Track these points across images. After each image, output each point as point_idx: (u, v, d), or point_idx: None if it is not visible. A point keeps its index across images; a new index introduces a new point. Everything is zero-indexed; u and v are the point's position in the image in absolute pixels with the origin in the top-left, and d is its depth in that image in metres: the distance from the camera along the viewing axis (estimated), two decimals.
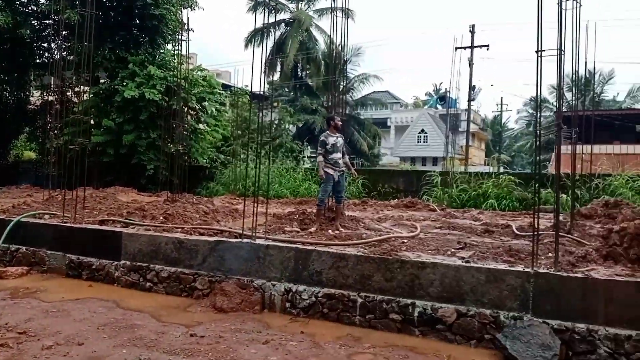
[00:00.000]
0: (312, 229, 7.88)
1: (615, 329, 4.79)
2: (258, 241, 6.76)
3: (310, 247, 6.40)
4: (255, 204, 7.06)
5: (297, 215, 8.89)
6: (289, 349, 4.99)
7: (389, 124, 58.87)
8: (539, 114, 8.31)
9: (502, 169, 41.77)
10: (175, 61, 16.27)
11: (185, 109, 17.79)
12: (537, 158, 7.93)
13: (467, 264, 5.55)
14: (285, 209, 11.27)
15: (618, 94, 50.08)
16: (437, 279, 5.57)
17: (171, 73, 17.50)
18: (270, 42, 34.79)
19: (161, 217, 8.85)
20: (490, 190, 16.97)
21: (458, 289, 5.46)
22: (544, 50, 5.37)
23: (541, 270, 5.20)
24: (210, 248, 6.89)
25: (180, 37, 15.60)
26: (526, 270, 5.25)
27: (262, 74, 8.36)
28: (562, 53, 5.41)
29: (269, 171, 9.96)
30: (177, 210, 9.39)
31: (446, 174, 18.39)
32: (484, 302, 5.33)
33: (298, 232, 7.86)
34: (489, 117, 69.03)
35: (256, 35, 33.88)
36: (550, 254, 5.98)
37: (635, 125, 34.30)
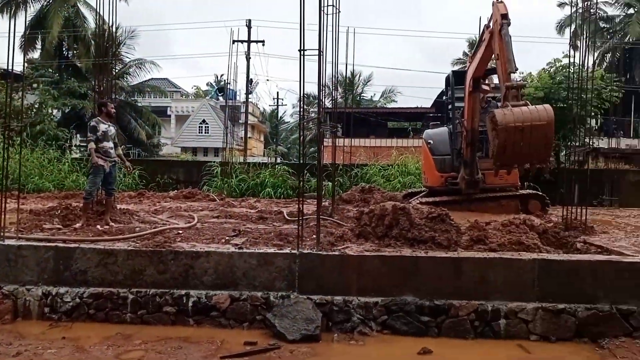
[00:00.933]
0: (77, 225, 7.21)
1: (366, 298, 5.51)
2: (7, 242, 5.91)
3: (73, 245, 5.85)
4: (3, 199, 6.14)
5: (60, 211, 8.01)
6: (46, 358, 4.50)
7: (169, 112, 56.92)
8: (301, 109, 8.85)
9: (279, 160, 44.18)
10: None
11: None
12: (302, 149, 8.52)
13: (240, 250, 5.75)
14: (46, 204, 10.05)
15: (375, 94, 57.15)
16: (212, 267, 5.65)
17: None
18: (26, 14, 30.30)
19: None
20: (267, 180, 17.78)
21: (232, 275, 5.62)
22: (305, 50, 5.85)
23: (305, 251, 5.69)
24: None
25: None
26: (292, 252, 5.68)
27: (11, 50, 7.23)
28: (323, 54, 5.97)
29: (20, 160, 8.73)
30: None
31: (226, 164, 18.64)
32: (255, 285, 5.60)
33: (60, 229, 7.10)
34: (268, 110, 72.01)
35: (8, 4, 29.14)
36: (314, 236, 6.56)
37: (387, 122, 39.68)
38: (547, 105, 6.55)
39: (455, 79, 10.28)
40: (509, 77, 7.04)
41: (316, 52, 5.97)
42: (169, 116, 56.65)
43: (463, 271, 5.50)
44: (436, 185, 10.39)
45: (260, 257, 5.63)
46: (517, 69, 7.29)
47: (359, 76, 54.68)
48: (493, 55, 7.86)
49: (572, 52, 17.78)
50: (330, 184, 17.78)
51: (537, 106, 6.52)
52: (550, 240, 6.95)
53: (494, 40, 7.66)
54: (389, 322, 5.43)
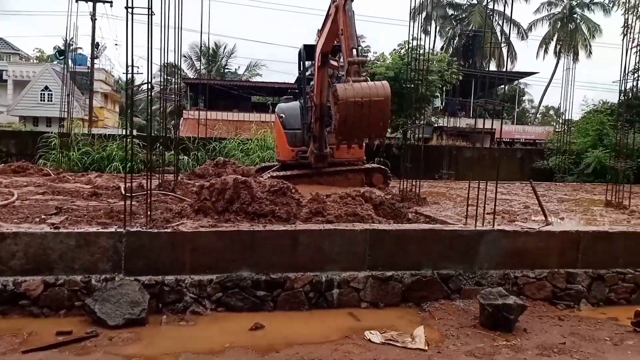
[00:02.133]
0: None
1: (200, 276, 5.26)
2: None
3: None
4: None
5: None
6: None
7: (5, 77, 50.33)
8: (129, 75, 8.08)
9: (135, 132, 41.37)
10: None
11: None
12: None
13: (56, 230, 5.12)
14: None
15: (239, 67, 56.09)
16: (21, 250, 4.96)
17: None
18: None
19: None
20: (115, 153, 16.52)
21: (46, 258, 5.00)
22: (133, 8, 5.29)
23: (133, 229, 5.25)
24: None
25: None
26: (119, 230, 5.20)
27: None
28: (152, 13, 5.46)
29: None
30: None
31: (67, 135, 16.92)
32: (75, 268, 5.04)
33: None
34: (124, 79, 67.11)
35: None
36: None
37: (251, 96, 39.20)
38: (385, 82, 6.77)
39: (307, 52, 10.28)
40: (351, 52, 7.15)
41: (146, 11, 5.44)
42: (5, 81, 50.13)
43: (300, 243, 5.50)
44: (288, 159, 10.40)
45: (79, 237, 5.06)
46: (359, 45, 7.45)
47: (224, 48, 53.20)
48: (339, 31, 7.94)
49: (423, 35, 19.00)
50: (185, 158, 17.09)
51: (375, 82, 6.72)
52: (386, 212, 7.27)
53: (338, 15, 7.73)
54: (223, 300, 5.25)
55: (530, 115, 62.76)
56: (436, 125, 32.74)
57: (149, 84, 6.12)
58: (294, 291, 5.39)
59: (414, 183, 8.81)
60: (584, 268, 5.99)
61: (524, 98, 62.51)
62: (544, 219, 6.27)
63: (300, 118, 10.45)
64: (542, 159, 22.37)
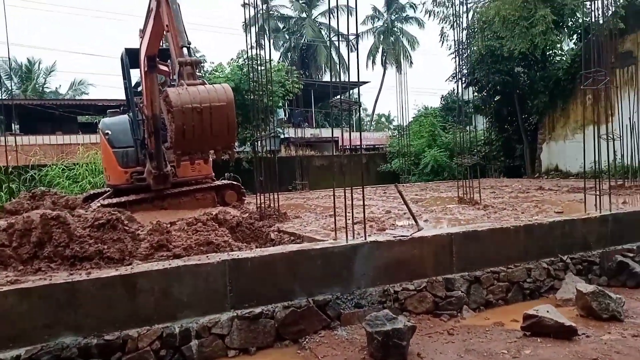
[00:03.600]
0: None
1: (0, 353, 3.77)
2: None
3: None
4: None
5: None
6: None
7: None
8: None
9: None
10: None
11: None
12: None
13: None
14: None
15: (60, 85, 50.46)
16: None
17: None
18: None
19: None
20: None
21: None
22: None
23: None
24: None
25: None
26: None
27: None
28: None
29: None
30: None
31: None
32: None
33: None
34: None
35: None
36: None
37: (77, 116, 35.22)
38: (226, 85, 5.82)
39: (131, 58, 8.81)
40: (181, 51, 6.06)
41: None
42: None
43: (140, 290, 4.27)
44: (120, 183, 8.82)
45: None
46: (189, 43, 6.37)
47: (39, 64, 47.42)
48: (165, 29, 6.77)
49: (258, 49, 18.42)
50: None
51: (215, 85, 5.73)
52: (246, 234, 6.34)
53: (161, 9, 6.58)
54: None
55: (366, 122, 66.63)
56: (283, 136, 32.66)
57: None
58: (139, 352, 4.16)
59: (271, 197, 7.98)
60: (460, 272, 5.66)
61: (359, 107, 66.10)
62: (413, 223, 5.84)
63: (131, 133, 8.93)
64: (385, 162, 23.29)
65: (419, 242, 5.48)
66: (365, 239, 5.28)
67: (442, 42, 20.37)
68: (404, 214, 8.00)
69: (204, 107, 5.60)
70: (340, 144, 36.54)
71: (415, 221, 5.58)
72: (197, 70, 5.96)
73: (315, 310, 4.85)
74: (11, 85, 43.20)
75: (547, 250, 6.26)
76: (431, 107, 27.86)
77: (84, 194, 10.65)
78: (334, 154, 27.82)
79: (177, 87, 5.78)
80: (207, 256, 4.68)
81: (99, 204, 8.18)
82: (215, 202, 9.12)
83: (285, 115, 33.86)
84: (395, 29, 54.99)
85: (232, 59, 18.78)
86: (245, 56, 18.73)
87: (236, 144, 6.31)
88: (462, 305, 5.54)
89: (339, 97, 6.12)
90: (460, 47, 14.04)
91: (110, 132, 8.88)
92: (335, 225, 5.49)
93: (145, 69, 8.06)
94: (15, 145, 16.68)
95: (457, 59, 17.46)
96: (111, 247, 4.67)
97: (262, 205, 8.02)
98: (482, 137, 21.34)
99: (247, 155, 19.65)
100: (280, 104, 19.62)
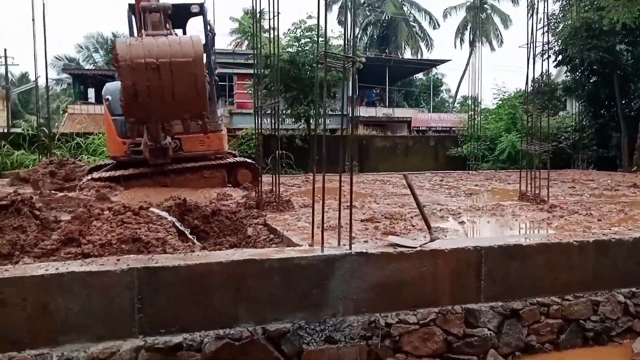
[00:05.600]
0: None
1: None
2: None
3: None
4: None
5: None
6: None
7: None
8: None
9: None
10: None
11: None
12: None
13: None
14: None
15: None
16: None
17: None
18: None
19: None
20: None
21: None
22: None
23: None
24: None
25: None
26: None
27: None
28: None
29: None
30: None
31: None
32: None
33: None
34: (17, 73, 60.65)
35: None
36: None
37: None
38: (196, 36, 4.52)
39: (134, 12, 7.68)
40: None
41: None
42: None
43: (6, 302, 3.10)
44: (120, 155, 7.84)
45: None
46: None
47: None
48: None
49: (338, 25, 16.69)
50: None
51: (180, 36, 4.45)
52: (224, 225, 5.10)
53: None
54: None
55: (449, 104, 63.18)
56: (351, 115, 31.05)
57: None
58: None
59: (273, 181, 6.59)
60: (489, 301, 4.02)
61: (441, 88, 62.95)
62: (427, 231, 4.21)
63: None
64: (457, 146, 21.11)
65: (431, 257, 3.89)
66: (350, 248, 3.78)
67: (531, 15, 17.77)
68: (440, 210, 6.34)
69: (161, 62, 4.35)
70: (413, 125, 34.35)
71: (428, 227, 3.99)
72: (165, 20, 4.69)
73: (262, 344, 3.46)
74: (98, 58, 45.05)
75: (627, 278, 4.42)
76: (518, 89, 24.95)
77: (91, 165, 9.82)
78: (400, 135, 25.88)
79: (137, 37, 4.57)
80: (117, 261, 3.40)
81: (89, 178, 7.27)
82: (225, 181, 7.92)
83: (356, 92, 32.19)
84: (486, 5, 51.01)
85: (288, 29, 17.40)
86: (303, 26, 17.36)
87: (224, 112, 4.91)
88: (487, 349, 3.91)
89: (328, 52, 4.55)
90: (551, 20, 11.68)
91: (110, 98, 7.88)
92: (312, 226, 4.01)
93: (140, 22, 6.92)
94: (66, 112, 16.59)
95: (547, 33, 14.88)
96: (2, 238, 3.54)
97: (276, 191, 6.64)
98: (572, 123, 18.60)
99: (302, 132, 18.40)
100: (342, 79, 18.04)
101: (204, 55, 4.63)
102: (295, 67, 16.51)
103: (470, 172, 15.16)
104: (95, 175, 7.47)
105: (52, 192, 6.58)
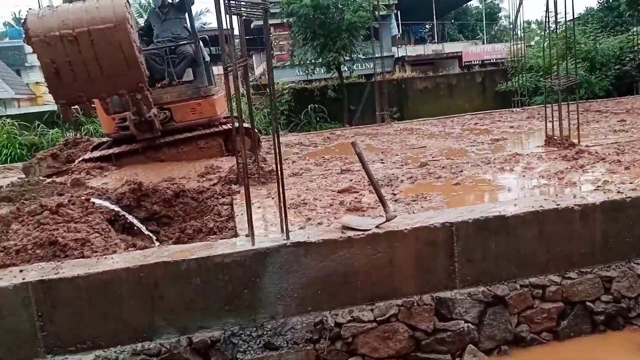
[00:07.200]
0: None
1: None
2: None
3: None
4: None
5: None
6: None
7: None
8: None
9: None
10: None
11: None
12: None
13: None
14: None
15: None
16: None
17: None
18: None
19: None
20: None
21: None
22: None
23: None
24: None
25: None
26: None
27: None
28: None
29: None
30: None
31: None
32: None
33: None
34: None
35: None
36: None
37: None
38: None
39: None
40: None
41: None
42: None
43: None
44: (111, 132, 7.52)
45: None
46: None
47: None
48: None
49: None
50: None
51: (99, 1, 3.88)
52: (190, 207, 4.68)
53: None
54: None
55: (508, 32, 58.79)
56: (397, 56, 29.50)
57: None
58: None
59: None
60: (466, 287, 3.35)
61: (499, 14, 58.56)
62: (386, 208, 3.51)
63: None
64: (506, 80, 19.39)
65: (386, 239, 3.25)
66: (287, 237, 3.21)
67: None
68: (443, 168, 5.56)
69: (78, 33, 3.83)
70: (464, 60, 32.19)
71: (383, 204, 3.31)
72: None
73: (185, 359, 3.03)
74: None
75: None
76: (587, 8, 22.25)
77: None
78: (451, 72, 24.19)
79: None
80: (20, 271, 3.03)
81: (81, 159, 7.04)
82: (222, 150, 7.43)
83: (398, 30, 30.30)
84: None
85: None
86: None
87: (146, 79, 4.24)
88: (465, 344, 3.28)
89: None
90: None
91: None
92: (249, 215, 3.43)
93: None
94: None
95: None
96: None
97: (238, 163, 5.84)
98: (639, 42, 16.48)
99: (335, 82, 17.49)
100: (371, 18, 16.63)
101: (130, 17, 4.03)
102: (320, 12, 15.49)
103: (514, 109, 13.80)
104: (86, 156, 7.26)
105: (41, 178, 6.40)
